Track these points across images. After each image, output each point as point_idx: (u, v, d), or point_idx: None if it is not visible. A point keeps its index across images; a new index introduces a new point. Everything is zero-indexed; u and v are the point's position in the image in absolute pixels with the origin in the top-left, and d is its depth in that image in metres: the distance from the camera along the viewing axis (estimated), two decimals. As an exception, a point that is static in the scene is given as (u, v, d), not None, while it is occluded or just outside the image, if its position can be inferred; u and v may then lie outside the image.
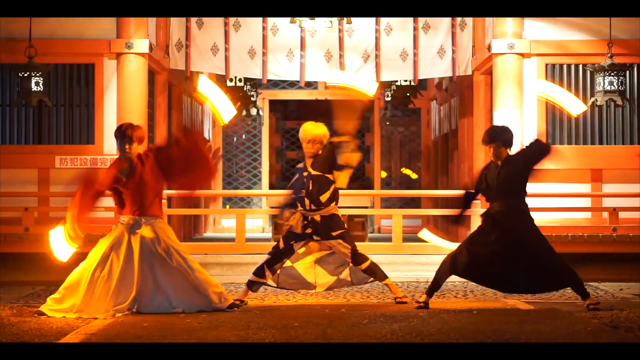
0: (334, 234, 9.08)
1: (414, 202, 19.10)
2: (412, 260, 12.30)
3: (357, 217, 13.72)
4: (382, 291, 9.96)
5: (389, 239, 12.65)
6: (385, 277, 9.25)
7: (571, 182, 12.64)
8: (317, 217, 9.04)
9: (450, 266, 8.78)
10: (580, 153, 12.62)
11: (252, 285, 9.21)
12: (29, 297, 10.05)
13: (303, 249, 9.22)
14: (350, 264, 9.20)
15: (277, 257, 9.15)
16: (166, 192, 12.80)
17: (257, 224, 19.16)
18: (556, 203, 12.44)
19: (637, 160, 12.49)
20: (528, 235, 8.70)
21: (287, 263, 9.18)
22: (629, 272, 11.65)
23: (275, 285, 9.28)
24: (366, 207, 13.73)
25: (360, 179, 20.85)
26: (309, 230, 9.06)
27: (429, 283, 9.02)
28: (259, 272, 9.16)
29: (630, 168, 12.53)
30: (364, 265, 9.17)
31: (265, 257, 9.22)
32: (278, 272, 9.17)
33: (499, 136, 8.73)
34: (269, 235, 16.10)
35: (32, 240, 11.88)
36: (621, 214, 12.28)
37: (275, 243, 9.35)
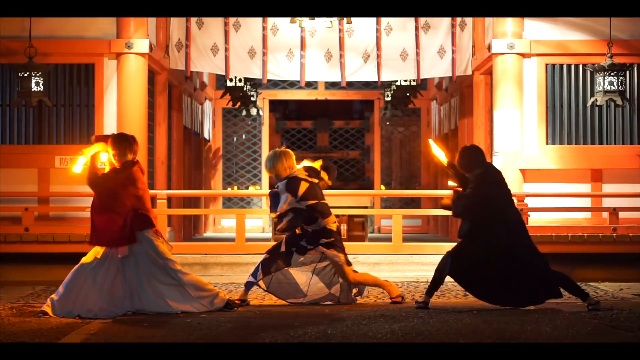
0: (324, 240, 9.12)
1: (414, 202, 19.10)
2: (412, 260, 12.30)
3: (357, 217, 13.72)
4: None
5: (389, 239, 12.65)
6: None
7: (571, 182, 12.64)
8: (310, 229, 9.15)
9: (446, 266, 8.80)
10: (580, 153, 12.62)
11: (248, 286, 9.23)
12: (29, 297, 10.05)
13: (302, 258, 9.27)
14: (341, 282, 9.26)
15: (274, 258, 9.17)
16: (166, 192, 12.85)
17: (257, 224, 19.16)
18: (556, 203, 12.44)
19: (637, 160, 12.48)
20: (521, 246, 8.74)
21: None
22: (629, 272, 11.65)
23: (265, 289, 9.27)
24: (366, 207, 13.72)
25: (360, 179, 20.86)
26: (304, 243, 9.17)
27: (429, 283, 9.03)
28: (255, 272, 9.18)
29: (630, 168, 12.52)
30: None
31: (262, 256, 9.25)
32: (272, 274, 9.19)
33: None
34: (269, 235, 16.10)
35: (32, 240, 11.88)
36: (621, 214, 12.27)
37: (275, 243, 9.37)
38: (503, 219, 8.73)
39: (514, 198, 9.19)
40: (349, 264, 9.22)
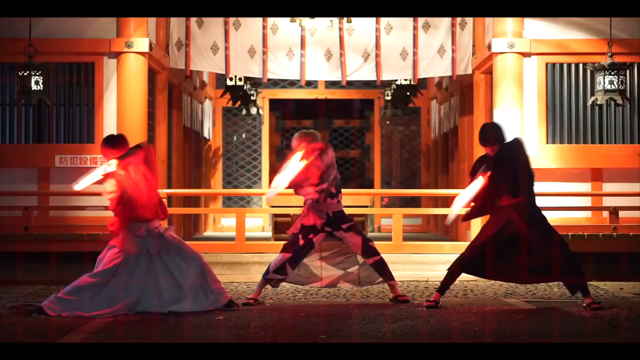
0: (344, 226, 9.18)
1: (414, 202, 19.10)
2: (412, 259, 12.29)
3: (357, 217, 13.73)
4: (382, 291, 9.96)
5: (389, 239, 12.64)
6: (392, 278, 9.31)
7: (571, 181, 12.64)
8: (330, 212, 9.19)
9: (461, 264, 8.80)
10: (580, 152, 12.62)
11: (271, 282, 9.25)
12: (29, 297, 10.04)
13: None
14: (359, 264, 9.25)
15: (299, 253, 9.18)
16: (166, 191, 12.85)
17: (257, 223, 19.15)
18: (556, 202, 12.43)
19: (637, 160, 12.48)
20: (535, 225, 8.73)
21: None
22: (629, 272, 11.65)
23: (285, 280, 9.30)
24: (366, 207, 13.73)
25: (360, 179, 20.87)
26: (324, 227, 9.20)
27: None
28: (280, 269, 9.16)
29: (631, 167, 12.52)
30: (373, 259, 9.21)
31: (279, 255, 9.21)
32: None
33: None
34: (269, 234, 16.10)
35: (32, 240, 11.87)
36: (621, 214, 12.28)
37: (289, 242, 9.32)
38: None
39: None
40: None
